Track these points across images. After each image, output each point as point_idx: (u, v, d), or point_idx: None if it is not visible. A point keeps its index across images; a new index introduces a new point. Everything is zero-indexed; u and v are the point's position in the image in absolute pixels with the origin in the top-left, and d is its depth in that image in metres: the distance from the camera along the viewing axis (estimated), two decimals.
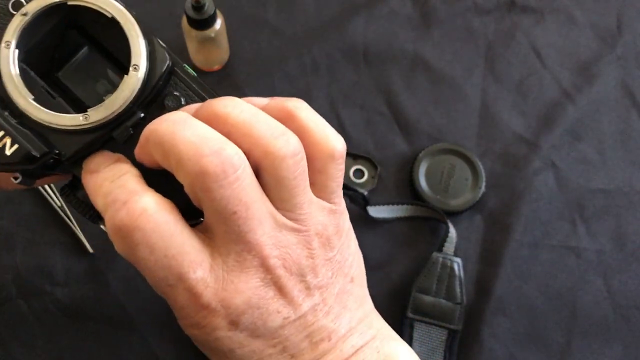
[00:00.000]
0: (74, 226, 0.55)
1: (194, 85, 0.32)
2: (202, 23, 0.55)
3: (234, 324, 0.29)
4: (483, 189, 0.58)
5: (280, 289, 0.30)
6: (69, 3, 0.30)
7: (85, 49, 0.33)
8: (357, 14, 0.64)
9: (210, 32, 0.56)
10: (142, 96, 0.30)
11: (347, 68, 0.62)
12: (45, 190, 0.56)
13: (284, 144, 0.28)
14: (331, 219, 0.31)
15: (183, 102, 0.31)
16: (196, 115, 0.29)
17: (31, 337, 0.53)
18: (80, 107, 0.31)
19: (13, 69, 0.30)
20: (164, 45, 0.31)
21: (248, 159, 0.28)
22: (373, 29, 0.64)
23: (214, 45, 0.58)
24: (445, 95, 0.62)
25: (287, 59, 0.62)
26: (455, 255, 0.55)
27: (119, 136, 0.30)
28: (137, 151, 0.30)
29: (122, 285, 0.54)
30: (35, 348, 0.53)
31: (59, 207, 0.56)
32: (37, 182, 0.33)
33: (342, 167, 0.31)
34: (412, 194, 0.59)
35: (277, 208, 0.29)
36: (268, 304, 0.29)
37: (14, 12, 0.30)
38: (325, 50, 0.63)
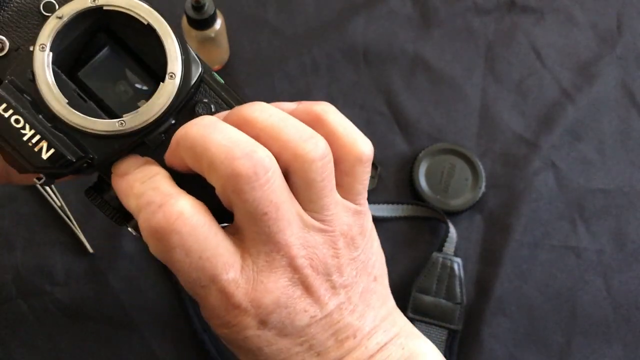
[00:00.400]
0: (74, 226, 0.55)
1: (223, 93, 0.32)
2: (202, 23, 0.55)
3: (263, 323, 0.30)
4: (483, 188, 0.58)
5: (307, 288, 0.30)
6: (105, 8, 0.31)
7: (106, 49, 0.33)
8: (357, 14, 0.64)
9: (210, 32, 0.56)
10: (177, 103, 0.30)
11: (347, 68, 0.62)
12: (45, 190, 0.56)
13: (312, 147, 0.29)
14: (356, 219, 0.32)
15: (213, 110, 0.32)
16: (226, 120, 0.30)
17: (31, 337, 0.53)
18: (102, 108, 0.32)
19: (48, 72, 0.30)
20: (195, 52, 0.32)
21: (277, 161, 0.29)
22: (373, 29, 0.64)
23: (214, 45, 0.58)
24: (445, 95, 0.62)
25: (287, 59, 0.62)
26: (455, 255, 0.55)
27: (152, 142, 0.31)
28: (168, 155, 0.30)
29: (122, 285, 0.54)
30: (35, 348, 0.53)
31: (59, 207, 0.56)
32: (56, 180, 0.34)
33: (369, 169, 0.32)
34: (412, 194, 0.59)
35: (304, 209, 0.30)
36: (296, 303, 0.30)
37: (46, 14, 0.31)
38: (325, 50, 0.63)
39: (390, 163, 0.59)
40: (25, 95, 0.30)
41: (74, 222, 0.55)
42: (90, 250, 0.55)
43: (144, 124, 0.30)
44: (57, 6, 0.31)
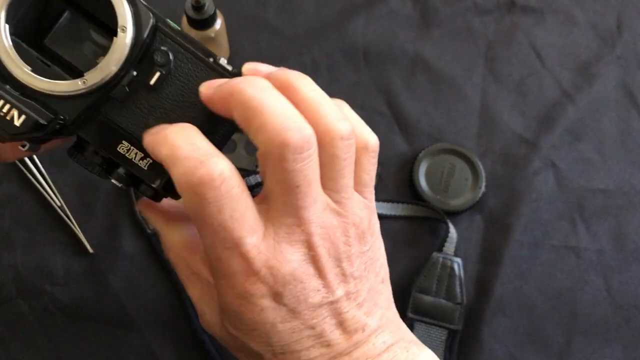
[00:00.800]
0: (74, 226, 0.55)
1: (179, 39, 0.33)
2: (202, 23, 0.55)
3: (279, 295, 0.31)
4: (483, 188, 0.58)
5: (319, 269, 0.32)
6: None
7: (67, 14, 0.34)
8: (357, 14, 0.64)
9: (210, 32, 0.56)
10: (133, 55, 0.31)
11: (347, 68, 0.62)
12: (45, 190, 0.56)
13: (343, 126, 0.31)
14: (366, 213, 0.33)
15: (171, 57, 0.33)
16: (270, 77, 0.32)
17: (31, 337, 0.53)
18: (72, 71, 0.33)
19: (7, 42, 0.31)
20: (144, 2, 0.32)
21: None
22: (373, 29, 0.64)
23: (214, 45, 0.58)
24: (445, 95, 0.62)
25: (287, 59, 0.62)
26: (455, 255, 0.55)
27: (118, 95, 0.32)
28: (214, 98, 0.32)
29: (122, 285, 0.54)
30: (35, 348, 0.53)
31: (59, 207, 0.56)
32: (42, 146, 0.35)
33: (375, 161, 0.34)
34: (412, 194, 0.59)
35: (324, 187, 0.32)
36: (309, 279, 0.31)
37: None
38: (325, 50, 0.63)
39: (390, 163, 0.59)
40: None
41: (74, 222, 0.55)
42: (90, 250, 0.55)
43: (105, 80, 0.31)
44: None
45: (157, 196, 0.36)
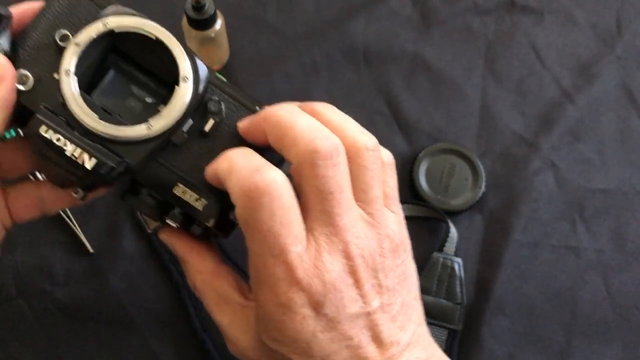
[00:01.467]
0: (74, 226, 0.55)
1: (228, 89, 0.36)
2: (202, 23, 0.55)
3: (319, 305, 0.31)
4: (483, 188, 0.58)
5: (357, 279, 0.32)
6: (117, 31, 0.34)
7: (111, 72, 0.37)
8: (357, 14, 0.64)
9: (210, 32, 0.56)
10: (194, 102, 0.34)
11: (347, 68, 0.62)
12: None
13: (369, 139, 0.34)
14: (398, 227, 0.35)
15: (223, 107, 0.36)
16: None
17: (31, 337, 0.53)
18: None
19: (77, 94, 0.33)
20: (198, 56, 0.35)
21: None
22: (373, 29, 0.64)
23: (214, 45, 0.58)
24: (445, 95, 0.62)
25: (287, 59, 0.62)
26: (456, 255, 0.55)
27: (177, 140, 0.35)
28: (249, 127, 0.35)
29: (122, 285, 0.54)
30: (35, 348, 0.53)
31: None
32: (89, 195, 0.37)
33: (394, 174, 0.36)
34: (412, 194, 0.59)
35: (356, 200, 0.33)
36: (348, 289, 0.32)
37: (62, 44, 0.34)
38: (325, 50, 0.63)
39: None
40: (59, 117, 0.33)
41: (74, 222, 0.55)
42: (91, 250, 0.55)
43: (169, 125, 0.34)
44: (71, 36, 0.34)
45: (206, 235, 0.38)
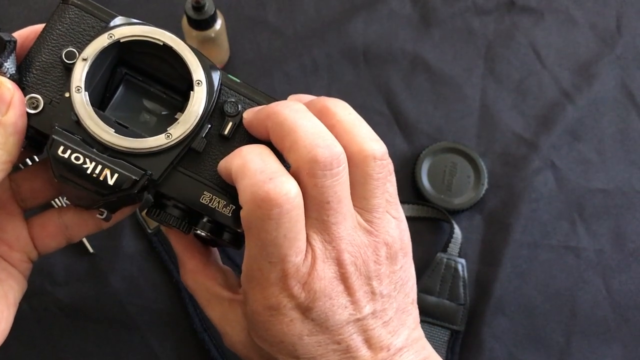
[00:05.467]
0: None
1: (242, 90, 0.36)
2: (202, 23, 0.55)
3: (308, 309, 0.32)
4: (486, 185, 0.58)
5: (348, 287, 0.32)
6: (122, 40, 0.33)
7: (122, 87, 0.36)
8: (357, 14, 0.64)
9: (210, 33, 0.56)
10: (210, 106, 0.34)
11: (347, 68, 0.62)
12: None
13: (378, 147, 0.33)
14: (398, 233, 0.34)
15: (239, 107, 0.35)
16: (309, 105, 0.33)
17: (31, 336, 0.53)
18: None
19: (90, 110, 0.33)
20: (209, 59, 0.35)
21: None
22: (373, 29, 0.64)
23: (214, 45, 0.58)
24: (445, 95, 0.62)
25: (287, 59, 0.62)
26: (459, 256, 0.55)
27: (198, 146, 0.34)
28: (254, 122, 0.34)
29: (122, 285, 0.54)
30: (35, 348, 0.53)
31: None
32: (113, 217, 0.37)
33: (394, 180, 0.35)
34: (415, 194, 0.59)
35: (355, 206, 0.33)
36: (338, 296, 0.32)
37: (69, 62, 0.33)
38: (325, 51, 0.63)
39: None
40: (75, 136, 0.32)
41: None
42: (91, 250, 0.55)
43: (187, 132, 0.33)
44: (77, 53, 0.33)
45: (237, 241, 0.37)
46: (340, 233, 0.32)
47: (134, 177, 0.32)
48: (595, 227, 0.58)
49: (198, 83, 0.33)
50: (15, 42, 0.33)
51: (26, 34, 0.35)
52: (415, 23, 0.64)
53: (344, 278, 0.32)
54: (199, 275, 0.39)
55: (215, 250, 0.42)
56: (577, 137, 0.61)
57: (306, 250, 0.32)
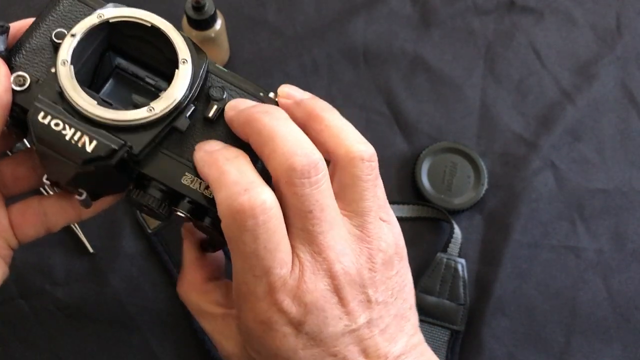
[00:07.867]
0: (74, 226, 0.55)
1: (230, 77, 0.36)
2: (202, 23, 0.55)
3: (300, 324, 0.31)
4: (486, 185, 0.58)
5: (342, 298, 0.31)
6: (111, 20, 0.34)
7: (111, 81, 0.37)
8: (357, 14, 0.64)
9: (210, 33, 0.56)
10: (195, 85, 0.34)
11: (347, 68, 0.62)
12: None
13: (365, 149, 0.32)
14: (391, 237, 0.34)
15: (225, 94, 0.35)
16: (298, 107, 0.33)
17: (31, 336, 0.53)
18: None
19: (74, 82, 0.33)
20: (199, 46, 0.35)
21: (330, 157, 0.32)
22: (373, 29, 0.64)
23: (214, 45, 0.58)
24: (445, 95, 0.62)
25: (287, 59, 0.62)
26: (459, 256, 0.55)
27: (181, 125, 0.34)
28: (234, 123, 0.33)
29: (122, 285, 0.54)
30: (35, 348, 0.53)
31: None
32: (92, 207, 0.37)
33: (381, 182, 0.34)
34: (415, 194, 0.59)
35: (345, 210, 0.32)
36: (332, 308, 0.31)
37: (58, 41, 0.34)
38: (325, 51, 0.63)
39: (391, 163, 0.59)
40: (58, 106, 0.32)
41: (75, 222, 0.55)
42: (91, 250, 0.55)
43: (170, 107, 0.33)
44: (66, 32, 0.34)
45: (216, 228, 0.36)
46: (328, 242, 0.31)
47: (112, 146, 0.32)
48: (595, 227, 0.58)
49: (183, 61, 0.33)
50: (8, 27, 0.34)
51: (20, 25, 0.35)
52: (415, 23, 0.64)
53: (336, 289, 0.31)
54: (192, 291, 0.39)
55: (221, 263, 0.42)
56: (577, 137, 0.61)
57: (293, 263, 0.31)
